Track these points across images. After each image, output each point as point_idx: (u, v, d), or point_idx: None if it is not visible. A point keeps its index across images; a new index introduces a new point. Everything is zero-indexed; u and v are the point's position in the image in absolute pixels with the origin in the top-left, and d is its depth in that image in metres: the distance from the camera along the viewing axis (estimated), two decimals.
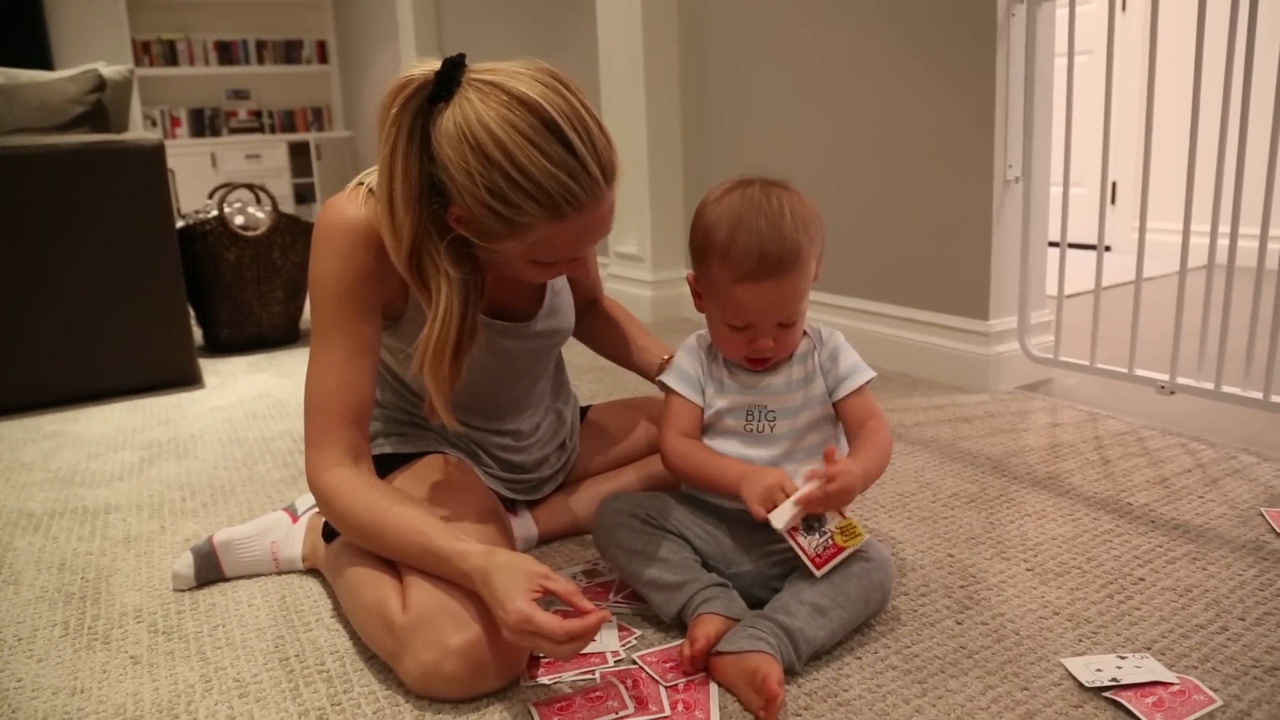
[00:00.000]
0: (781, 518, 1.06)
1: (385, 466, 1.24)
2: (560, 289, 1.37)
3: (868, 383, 1.22)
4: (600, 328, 1.54)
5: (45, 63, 5.75)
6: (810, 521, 1.10)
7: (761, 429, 1.21)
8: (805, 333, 1.24)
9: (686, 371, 1.25)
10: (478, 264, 1.14)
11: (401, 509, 1.09)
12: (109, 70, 2.59)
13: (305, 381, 1.17)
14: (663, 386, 1.28)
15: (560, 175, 1.01)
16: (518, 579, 0.98)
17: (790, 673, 1.05)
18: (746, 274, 1.11)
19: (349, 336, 1.14)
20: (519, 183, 1.01)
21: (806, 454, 1.21)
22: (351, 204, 1.14)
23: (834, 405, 1.22)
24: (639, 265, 3.17)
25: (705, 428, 1.25)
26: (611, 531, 1.21)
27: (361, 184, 1.17)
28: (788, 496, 1.07)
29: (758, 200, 1.14)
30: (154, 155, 2.40)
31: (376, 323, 1.18)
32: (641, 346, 1.49)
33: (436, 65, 1.05)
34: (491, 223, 1.05)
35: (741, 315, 1.15)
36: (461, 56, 1.06)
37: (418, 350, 1.12)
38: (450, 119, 1.03)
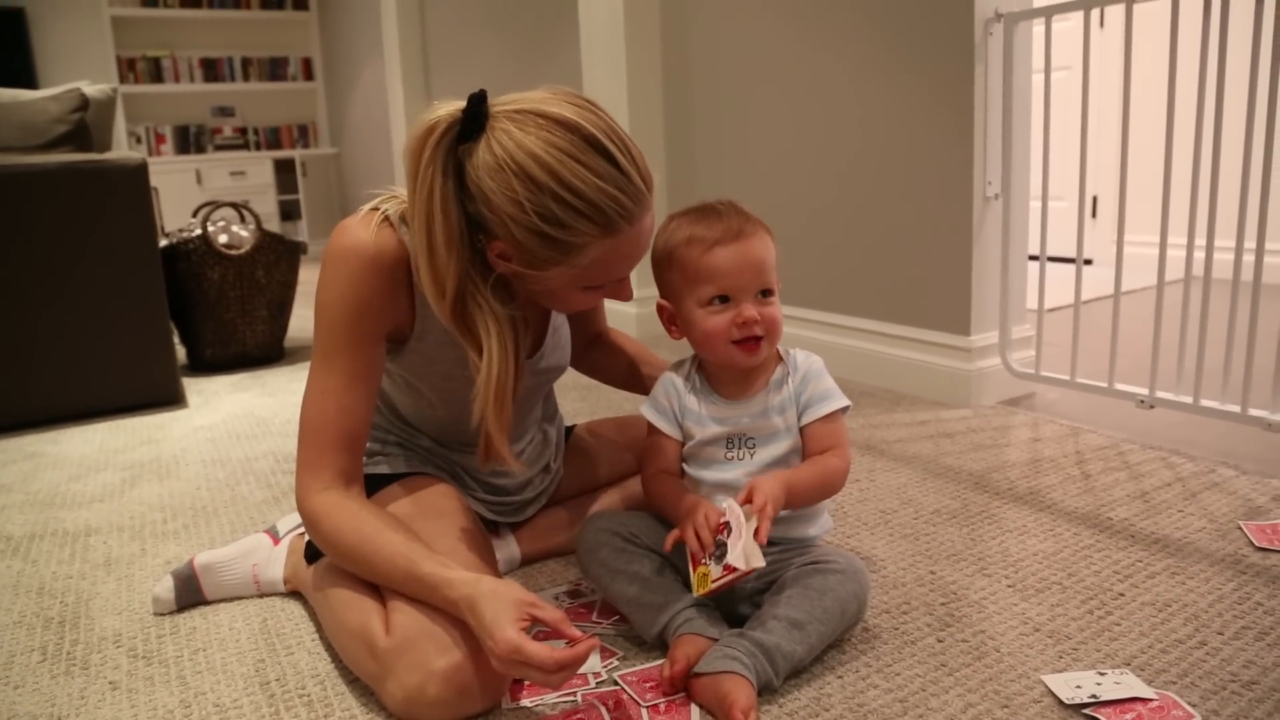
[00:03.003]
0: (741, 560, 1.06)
1: (369, 486, 1.24)
2: (559, 327, 1.37)
3: (841, 411, 1.21)
4: (607, 360, 1.54)
5: (30, 81, 5.74)
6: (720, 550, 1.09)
7: (742, 456, 1.21)
8: (781, 359, 1.24)
9: (663, 406, 1.26)
10: (518, 299, 1.15)
11: (388, 533, 1.09)
12: (92, 89, 2.59)
13: (303, 402, 1.16)
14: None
15: (610, 189, 1.02)
16: (506, 608, 0.98)
17: (768, 690, 1.05)
18: (715, 240, 1.15)
19: (352, 363, 1.14)
20: (571, 203, 1.01)
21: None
22: (366, 229, 1.13)
23: (800, 431, 1.21)
24: None
25: (688, 457, 1.25)
26: (595, 550, 1.21)
27: (377, 209, 1.15)
28: (711, 530, 1.10)
29: (701, 206, 1.21)
30: (137, 174, 2.40)
31: (380, 351, 1.18)
32: (648, 374, 1.49)
33: (459, 104, 1.05)
34: (542, 249, 1.04)
35: (720, 280, 1.15)
36: (483, 92, 1.06)
37: (479, 396, 1.11)
38: (488, 151, 1.03)
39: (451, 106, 1.06)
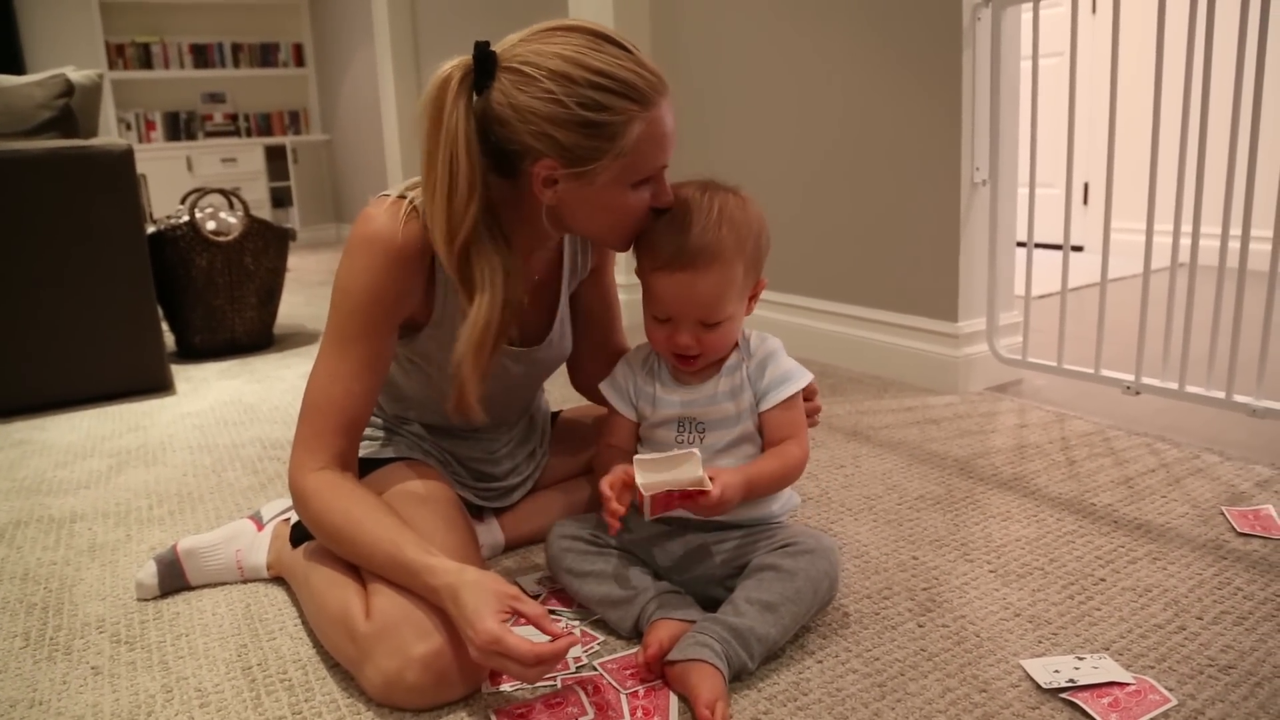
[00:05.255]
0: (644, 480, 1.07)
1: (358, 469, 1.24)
2: (564, 318, 1.37)
3: (801, 392, 1.20)
4: None
5: (17, 66, 5.69)
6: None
7: (692, 440, 1.20)
8: (736, 342, 1.23)
9: (620, 385, 1.26)
10: (516, 252, 1.15)
11: (375, 516, 1.09)
12: (77, 75, 2.57)
13: (309, 381, 1.16)
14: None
15: (632, 66, 1.07)
16: (487, 599, 0.98)
17: (744, 673, 1.05)
18: (662, 263, 1.13)
19: (365, 350, 1.14)
20: (606, 85, 1.04)
21: (732, 461, 1.20)
22: (391, 218, 1.13)
23: (759, 417, 1.21)
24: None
25: (643, 438, 1.25)
26: (560, 558, 1.22)
27: (404, 198, 1.15)
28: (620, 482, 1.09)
29: (691, 197, 1.16)
30: (123, 160, 2.38)
31: (393, 340, 1.18)
32: None
33: (463, 57, 1.08)
34: (588, 140, 1.06)
35: (660, 305, 1.15)
36: (485, 40, 1.08)
37: (462, 339, 1.11)
38: (511, 75, 1.06)
39: (457, 59, 1.08)
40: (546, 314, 1.33)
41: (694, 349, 1.15)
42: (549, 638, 0.98)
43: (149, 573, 1.35)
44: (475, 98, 1.07)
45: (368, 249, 1.13)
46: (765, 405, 1.19)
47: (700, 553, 1.19)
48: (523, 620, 1.00)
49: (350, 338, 1.14)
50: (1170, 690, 1.01)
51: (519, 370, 1.32)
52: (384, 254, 1.12)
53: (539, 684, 1.07)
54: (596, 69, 1.04)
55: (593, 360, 1.43)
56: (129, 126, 6.40)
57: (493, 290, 1.11)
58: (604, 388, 1.27)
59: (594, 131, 1.05)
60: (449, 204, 1.07)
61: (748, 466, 1.15)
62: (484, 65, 1.07)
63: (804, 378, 1.21)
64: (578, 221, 1.16)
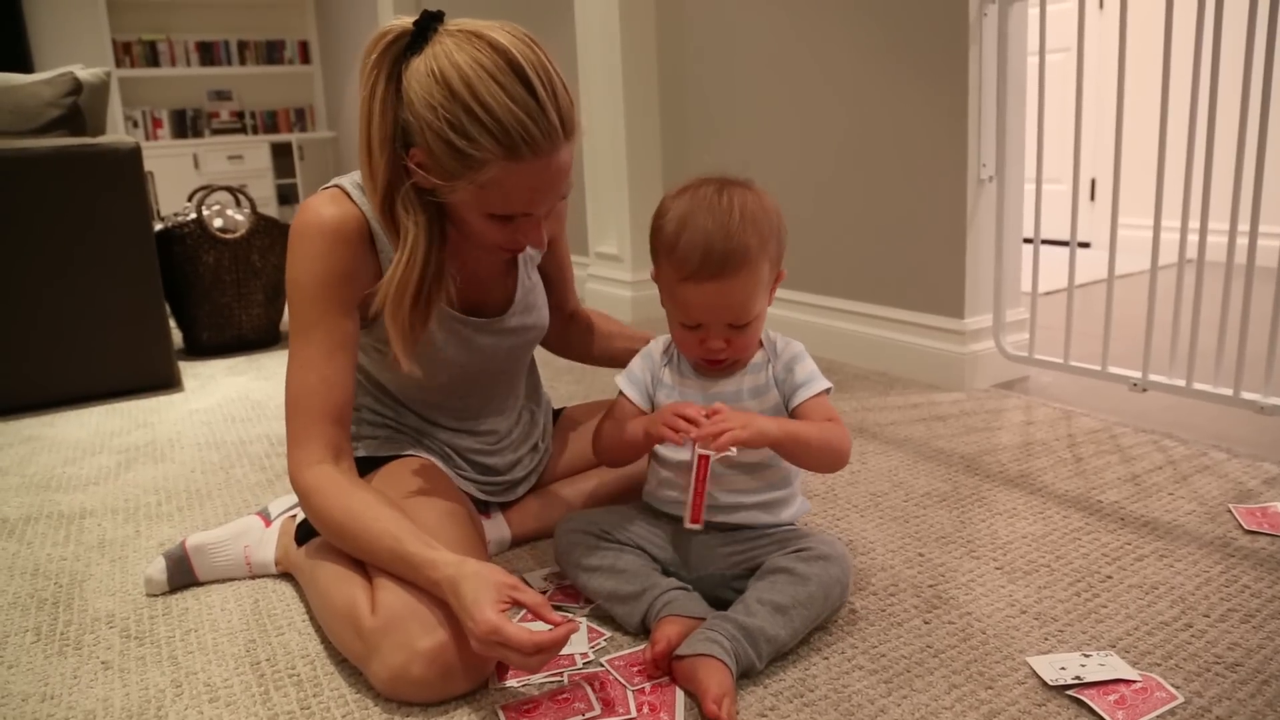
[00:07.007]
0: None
1: (359, 469, 1.24)
2: (534, 286, 1.37)
3: (825, 392, 1.20)
4: (583, 334, 1.56)
5: (25, 65, 5.71)
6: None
7: None
8: (761, 342, 1.23)
9: (637, 376, 1.26)
10: (441, 212, 1.15)
11: (376, 510, 1.10)
12: (85, 73, 2.58)
13: (285, 379, 1.17)
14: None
15: (519, 113, 1.04)
16: (487, 589, 0.98)
17: (751, 672, 1.06)
18: (690, 273, 1.11)
19: (328, 333, 1.16)
20: (478, 116, 1.03)
21: (752, 463, 1.19)
22: (326, 204, 1.16)
23: (791, 413, 1.20)
24: (618, 265, 3.17)
25: None
26: (569, 552, 1.23)
27: (337, 185, 1.18)
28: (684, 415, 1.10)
29: (708, 198, 1.13)
30: (131, 158, 2.39)
31: (355, 320, 1.19)
32: (627, 339, 1.52)
33: (414, 18, 1.09)
34: (448, 159, 1.06)
35: (689, 314, 1.15)
36: (440, 11, 1.09)
37: (381, 290, 1.13)
38: (423, 60, 1.06)
39: (408, 20, 1.09)
40: (508, 282, 1.34)
41: (725, 351, 1.16)
42: (550, 627, 0.98)
43: (158, 568, 1.35)
44: (406, 60, 1.08)
45: (306, 237, 1.15)
46: (799, 400, 1.19)
47: (711, 552, 1.19)
48: (529, 617, 1.00)
49: (311, 324, 1.16)
50: (1177, 688, 1.01)
51: (489, 342, 1.31)
52: (319, 236, 1.15)
53: (546, 680, 1.07)
54: (480, 98, 1.03)
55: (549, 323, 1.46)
56: (136, 124, 6.41)
57: (414, 246, 1.12)
58: (620, 380, 1.27)
59: (454, 153, 1.06)
60: (368, 155, 1.11)
61: (786, 420, 1.14)
62: (420, 35, 1.08)
63: (826, 381, 1.22)
64: (450, 211, 1.16)
